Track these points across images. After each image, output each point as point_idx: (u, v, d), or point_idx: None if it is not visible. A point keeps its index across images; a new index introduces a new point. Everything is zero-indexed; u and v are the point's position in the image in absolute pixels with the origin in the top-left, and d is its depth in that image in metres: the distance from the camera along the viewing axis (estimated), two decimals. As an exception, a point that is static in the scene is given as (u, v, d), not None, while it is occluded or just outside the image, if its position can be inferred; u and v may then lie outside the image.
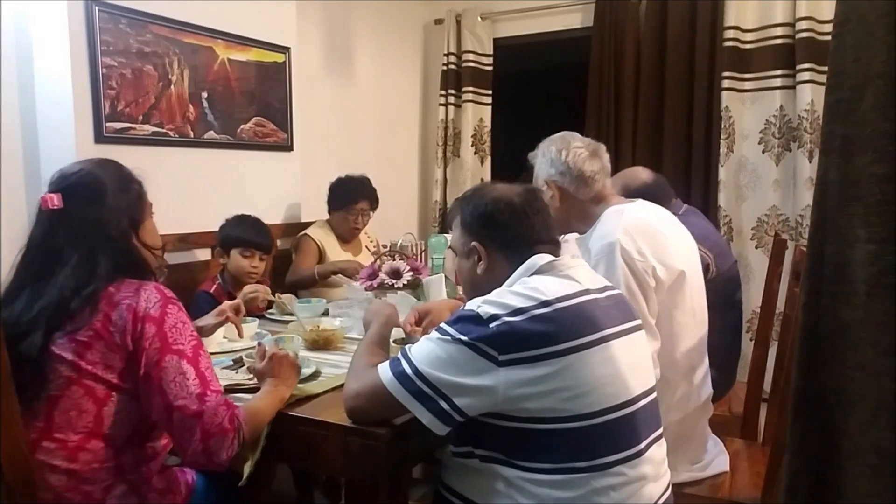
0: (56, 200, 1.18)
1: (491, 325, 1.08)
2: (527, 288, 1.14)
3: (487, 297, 1.15)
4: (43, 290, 1.17)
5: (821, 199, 0.78)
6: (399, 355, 1.17)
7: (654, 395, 1.23)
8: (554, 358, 1.07)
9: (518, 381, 1.07)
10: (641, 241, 1.55)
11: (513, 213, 1.26)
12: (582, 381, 1.09)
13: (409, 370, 1.12)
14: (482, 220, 1.28)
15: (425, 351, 1.13)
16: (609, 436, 1.11)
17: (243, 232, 2.35)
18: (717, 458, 1.78)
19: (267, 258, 2.40)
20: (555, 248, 1.29)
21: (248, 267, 2.31)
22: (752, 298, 3.27)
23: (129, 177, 1.29)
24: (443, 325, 1.15)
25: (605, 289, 1.25)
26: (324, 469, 1.97)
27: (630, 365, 1.16)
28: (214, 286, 2.33)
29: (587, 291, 1.18)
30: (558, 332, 1.09)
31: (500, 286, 1.21)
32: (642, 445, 1.15)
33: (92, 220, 1.20)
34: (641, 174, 2.34)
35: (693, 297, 1.65)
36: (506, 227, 1.27)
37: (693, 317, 1.66)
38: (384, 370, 1.16)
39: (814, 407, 0.82)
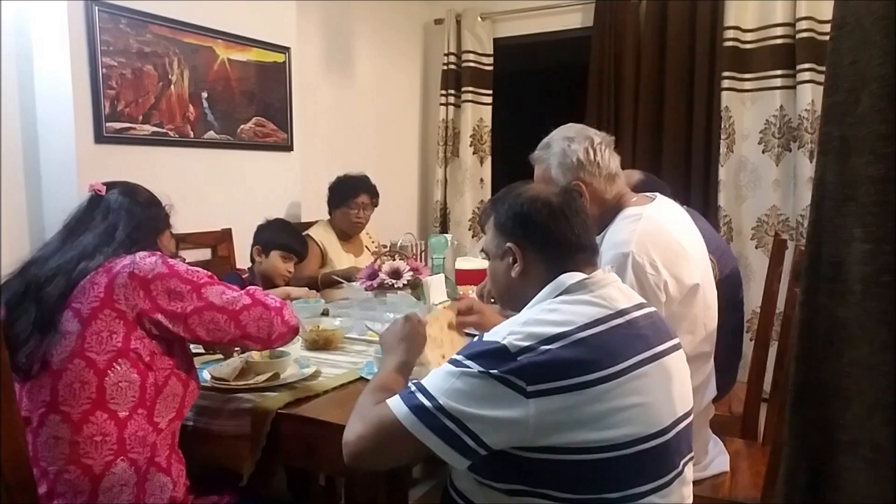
0: (100, 187, 1.45)
1: (519, 359, 1.00)
2: (553, 314, 1.07)
3: (512, 326, 1.06)
4: (72, 245, 1.36)
5: (819, 200, 0.79)
6: (412, 388, 1.08)
7: (691, 417, 1.16)
8: (586, 388, 1.00)
9: (549, 411, 0.99)
10: (655, 252, 1.50)
11: (550, 213, 1.18)
12: (616, 410, 1.02)
13: (428, 403, 1.03)
14: (518, 219, 1.19)
15: (444, 384, 1.04)
16: (642, 466, 1.05)
17: (288, 238, 2.54)
18: (717, 458, 1.77)
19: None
20: (593, 256, 1.21)
21: (283, 270, 2.49)
22: (752, 298, 3.27)
23: (157, 197, 1.52)
24: (459, 357, 1.06)
25: (640, 305, 1.16)
26: (324, 469, 1.96)
27: (667, 389, 1.09)
28: (245, 275, 2.48)
29: (621, 313, 1.10)
30: (589, 361, 1.01)
31: (535, 292, 1.15)
32: (677, 471, 1.11)
33: (124, 205, 1.43)
34: (633, 176, 2.29)
35: (706, 306, 1.61)
36: (543, 228, 1.18)
37: (701, 327, 1.62)
38: (396, 404, 1.06)
39: (811, 402, 0.82)
